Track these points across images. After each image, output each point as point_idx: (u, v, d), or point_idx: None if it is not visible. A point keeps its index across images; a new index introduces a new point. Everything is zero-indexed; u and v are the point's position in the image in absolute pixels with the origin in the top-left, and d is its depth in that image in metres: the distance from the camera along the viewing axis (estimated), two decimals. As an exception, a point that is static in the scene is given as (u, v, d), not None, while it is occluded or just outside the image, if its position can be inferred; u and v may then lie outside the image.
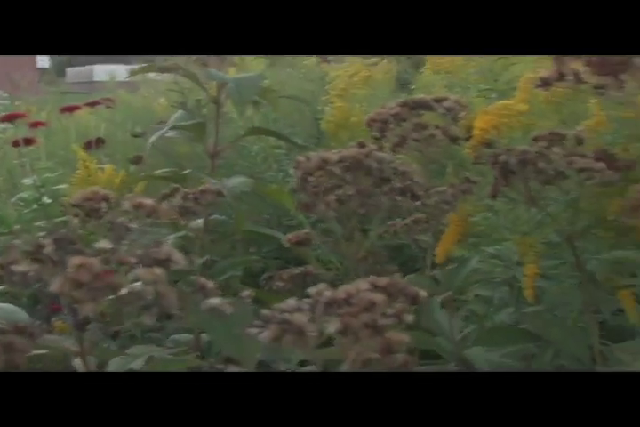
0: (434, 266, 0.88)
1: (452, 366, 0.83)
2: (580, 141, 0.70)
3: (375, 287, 0.46)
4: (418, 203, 0.85)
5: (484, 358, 0.76)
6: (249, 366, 0.66)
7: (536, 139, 0.69)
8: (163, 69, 0.91)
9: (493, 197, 0.71)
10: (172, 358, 0.58)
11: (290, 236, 0.72)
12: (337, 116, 1.24)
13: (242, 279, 1.42)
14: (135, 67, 1.03)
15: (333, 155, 0.67)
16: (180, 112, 0.97)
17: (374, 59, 1.39)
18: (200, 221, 0.92)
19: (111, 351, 0.69)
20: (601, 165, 0.64)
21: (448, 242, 0.73)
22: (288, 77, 1.65)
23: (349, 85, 1.21)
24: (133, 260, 0.44)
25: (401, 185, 0.67)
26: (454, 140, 0.72)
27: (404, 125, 0.73)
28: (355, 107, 1.25)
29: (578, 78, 0.49)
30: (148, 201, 0.53)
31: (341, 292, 0.44)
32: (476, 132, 0.68)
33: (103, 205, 0.54)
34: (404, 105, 0.74)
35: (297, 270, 0.95)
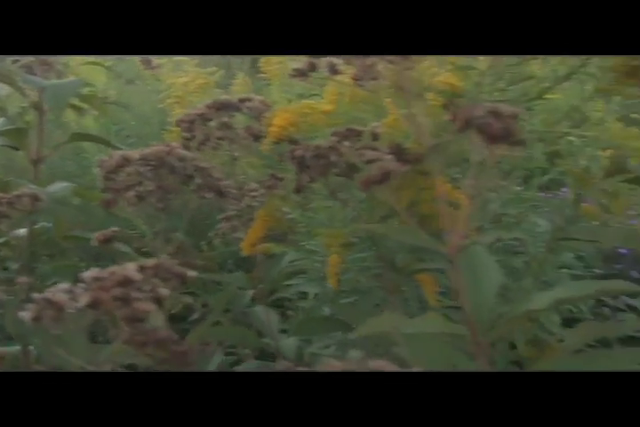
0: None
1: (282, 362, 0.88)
2: (375, 137, 0.76)
3: (142, 268, 0.49)
4: (243, 203, 0.90)
5: (300, 350, 0.80)
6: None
7: (334, 134, 0.74)
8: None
9: (298, 191, 0.76)
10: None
11: (97, 234, 0.74)
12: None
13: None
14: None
15: (134, 153, 0.71)
16: (1, 119, 0.98)
17: (213, 68, 1.43)
18: (24, 229, 0.93)
19: None
20: (388, 156, 0.70)
21: (253, 237, 0.77)
22: (135, 89, 1.67)
23: (186, 93, 1.24)
24: None
25: (202, 181, 0.71)
26: (257, 138, 0.77)
27: (209, 125, 0.77)
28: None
29: (333, 70, 0.54)
30: None
31: (105, 271, 0.47)
32: (272, 129, 0.73)
33: None
34: (210, 106, 0.79)
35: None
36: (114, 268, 0.48)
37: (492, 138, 0.40)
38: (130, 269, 0.48)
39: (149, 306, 0.43)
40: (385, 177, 0.48)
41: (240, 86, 1.92)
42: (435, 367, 0.50)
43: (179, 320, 1.06)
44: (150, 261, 0.50)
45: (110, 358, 0.65)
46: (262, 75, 1.42)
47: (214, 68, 1.43)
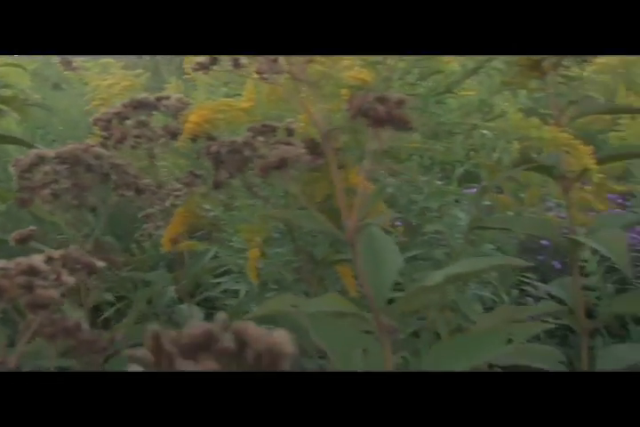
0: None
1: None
2: (290, 132, 0.78)
3: (49, 259, 0.51)
4: (167, 203, 0.91)
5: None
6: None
7: (249, 130, 0.77)
8: None
9: (216, 187, 0.78)
10: None
11: (14, 233, 0.75)
12: (104, 128, 1.28)
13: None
14: None
15: (50, 151, 0.72)
16: None
17: (139, 70, 1.44)
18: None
19: None
20: (300, 151, 0.72)
21: (172, 232, 0.79)
22: (61, 93, 1.67)
23: (111, 95, 1.25)
24: None
25: (118, 179, 0.72)
26: (174, 136, 0.79)
27: (126, 124, 0.79)
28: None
29: (236, 64, 0.57)
30: None
31: (12, 262, 0.49)
32: (187, 125, 0.75)
33: None
34: (127, 105, 0.80)
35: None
36: (20, 258, 0.49)
37: (377, 121, 0.43)
38: (36, 259, 0.49)
39: (52, 292, 0.44)
40: (282, 163, 0.51)
41: (173, 90, 1.93)
42: (341, 348, 0.52)
43: (113, 323, 1.06)
44: (57, 252, 0.51)
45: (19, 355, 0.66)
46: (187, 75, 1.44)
47: (140, 71, 1.45)
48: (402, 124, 0.43)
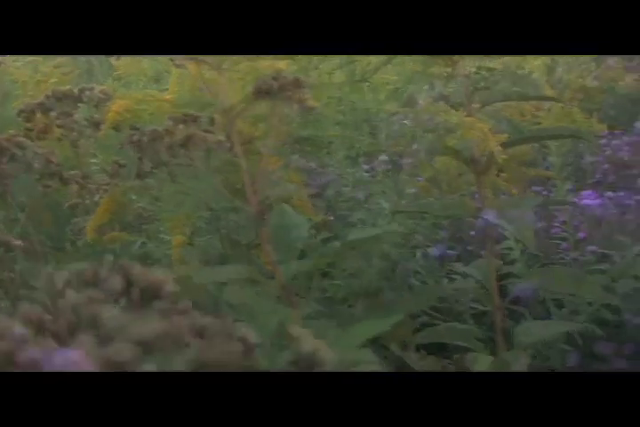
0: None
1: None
2: (212, 121, 0.82)
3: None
4: (97, 197, 0.94)
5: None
6: None
7: (170, 119, 0.80)
8: None
9: (140, 177, 0.82)
10: None
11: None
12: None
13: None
14: None
15: (-29, 141, 0.75)
16: None
17: (67, 68, 1.46)
18: None
19: None
20: (217, 138, 0.76)
21: (96, 222, 0.82)
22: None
23: (39, 92, 1.28)
24: None
25: (40, 167, 0.75)
26: (98, 126, 0.82)
27: (50, 115, 0.82)
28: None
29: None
30: None
31: None
32: (109, 114, 0.78)
33: None
34: (50, 96, 0.83)
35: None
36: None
37: (270, 95, 0.47)
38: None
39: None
40: (187, 140, 0.55)
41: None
42: (258, 317, 0.56)
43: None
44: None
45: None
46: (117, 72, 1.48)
47: (69, 68, 1.47)
48: (297, 100, 0.48)
